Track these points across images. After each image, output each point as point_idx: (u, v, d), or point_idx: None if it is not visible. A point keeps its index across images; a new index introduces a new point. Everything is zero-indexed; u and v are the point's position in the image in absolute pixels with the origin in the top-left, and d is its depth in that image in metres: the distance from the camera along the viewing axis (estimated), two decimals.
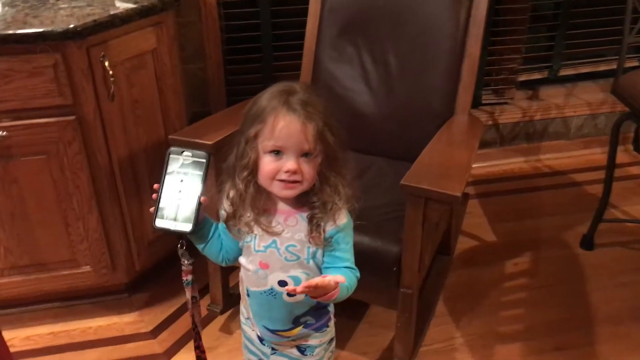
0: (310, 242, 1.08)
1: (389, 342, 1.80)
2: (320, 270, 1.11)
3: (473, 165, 1.69)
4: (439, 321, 1.90)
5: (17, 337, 1.84)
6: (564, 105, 2.86)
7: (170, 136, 1.70)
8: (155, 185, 1.06)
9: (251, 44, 2.45)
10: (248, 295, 1.18)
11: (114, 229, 1.84)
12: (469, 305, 1.97)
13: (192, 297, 1.18)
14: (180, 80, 1.99)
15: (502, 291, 2.03)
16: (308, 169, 1.03)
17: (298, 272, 1.10)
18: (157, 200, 1.06)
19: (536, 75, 2.93)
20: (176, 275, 2.06)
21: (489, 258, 2.20)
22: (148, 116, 1.86)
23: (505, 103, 2.84)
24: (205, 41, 2.34)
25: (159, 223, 1.06)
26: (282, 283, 1.11)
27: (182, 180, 1.06)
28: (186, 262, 1.13)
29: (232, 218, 1.10)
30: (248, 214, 1.08)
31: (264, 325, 1.18)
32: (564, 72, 2.94)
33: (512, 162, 2.86)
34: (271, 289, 1.12)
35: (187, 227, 1.06)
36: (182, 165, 1.06)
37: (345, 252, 1.10)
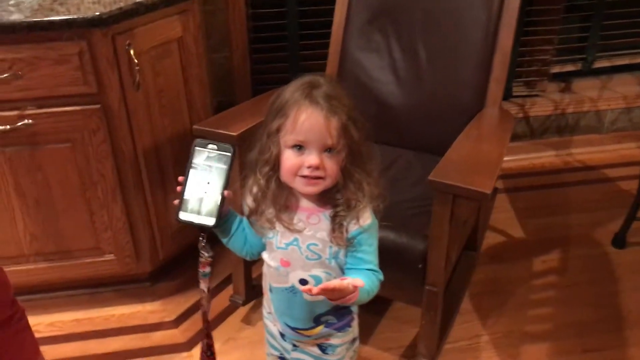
0: (332, 242, 1.05)
1: (413, 339, 1.77)
2: (342, 271, 1.08)
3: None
4: (464, 318, 1.87)
5: (42, 323, 1.86)
6: (598, 98, 2.78)
7: (195, 126, 1.68)
8: (180, 178, 1.05)
9: (277, 32, 2.42)
10: (270, 290, 1.16)
11: (138, 218, 1.84)
12: (496, 302, 1.93)
13: (203, 291, 1.16)
14: (206, 69, 1.98)
15: (530, 289, 1.99)
16: (331, 165, 1.00)
17: (319, 272, 1.08)
18: (182, 193, 1.04)
19: (569, 67, 2.85)
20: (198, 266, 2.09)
21: (516, 255, 2.16)
22: (173, 106, 1.85)
23: (537, 95, 2.78)
24: (231, 30, 2.32)
25: (183, 216, 1.04)
26: (303, 281, 1.09)
27: (206, 174, 1.04)
28: (206, 254, 1.12)
29: (255, 214, 1.08)
30: (270, 210, 1.06)
31: (286, 322, 1.17)
32: (599, 64, 2.86)
33: (542, 156, 2.79)
34: (292, 286, 1.10)
35: (210, 221, 1.04)
36: (207, 158, 1.05)
37: (369, 254, 1.07)
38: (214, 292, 1.98)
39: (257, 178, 1.06)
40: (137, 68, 1.65)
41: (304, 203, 1.07)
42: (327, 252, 1.06)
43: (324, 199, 1.05)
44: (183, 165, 1.05)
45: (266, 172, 1.04)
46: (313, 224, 1.06)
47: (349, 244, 1.05)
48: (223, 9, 2.30)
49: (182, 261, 2.07)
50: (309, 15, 2.41)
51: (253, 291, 1.93)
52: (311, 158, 0.99)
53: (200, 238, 1.10)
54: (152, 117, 1.78)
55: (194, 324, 1.86)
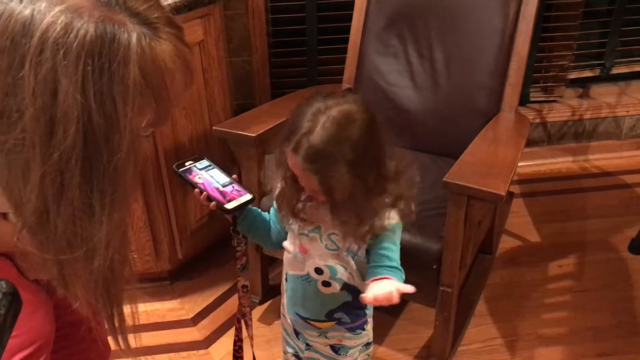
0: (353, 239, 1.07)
1: (427, 340, 1.78)
2: (358, 269, 1.10)
3: (519, 164, 1.66)
4: (479, 321, 1.87)
5: None
6: (616, 104, 2.77)
7: (215, 127, 1.72)
8: (196, 191, 1.09)
9: (297, 37, 2.46)
10: (286, 279, 1.19)
11: (158, 218, 1.87)
12: (510, 306, 1.93)
13: (244, 286, 1.20)
14: (226, 72, 2.01)
15: (545, 293, 1.99)
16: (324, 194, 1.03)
17: (335, 263, 1.10)
18: (207, 198, 1.08)
19: (587, 73, 2.84)
20: (217, 265, 2.12)
21: (532, 259, 2.16)
22: (194, 107, 1.89)
23: (554, 101, 2.77)
24: (251, 34, 2.36)
25: (229, 205, 1.09)
26: (319, 270, 1.12)
27: (208, 176, 1.12)
28: (240, 247, 1.16)
29: (286, 200, 1.12)
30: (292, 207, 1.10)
31: (297, 312, 1.19)
32: (617, 70, 2.84)
33: (559, 162, 2.79)
34: (307, 274, 1.13)
35: (248, 196, 1.11)
36: (195, 168, 1.12)
37: (393, 252, 1.08)
38: (231, 291, 2.02)
39: (279, 178, 1.11)
40: None
41: None
42: (345, 244, 1.09)
43: None
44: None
45: (283, 176, 1.09)
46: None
47: (371, 244, 1.07)
48: (243, 14, 2.33)
49: (200, 261, 2.10)
50: (327, 20, 2.44)
51: (270, 291, 1.96)
52: (307, 185, 1.03)
53: (231, 230, 1.15)
54: (173, 118, 1.82)
55: (212, 322, 1.90)
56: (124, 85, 0.57)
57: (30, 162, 0.57)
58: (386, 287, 0.99)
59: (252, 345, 1.30)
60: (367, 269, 1.10)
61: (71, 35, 0.54)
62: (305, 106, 1.02)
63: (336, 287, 1.12)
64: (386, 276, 1.03)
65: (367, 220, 1.04)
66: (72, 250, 0.63)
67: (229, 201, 1.08)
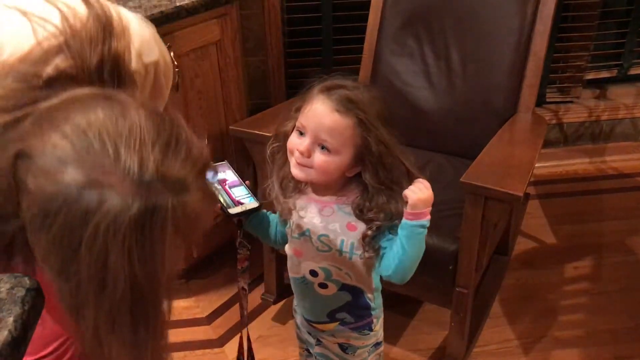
0: (362, 247, 1.07)
1: (442, 341, 1.78)
2: (356, 267, 1.10)
3: (535, 165, 1.65)
4: (494, 322, 1.87)
5: None
6: (634, 106, 2.74)
7: (231, 126, 1.73)
8: None
9: (312, 37, 2.46)
10: (291, 281, 1.20)
11: None
12: (526, 307, 1.92)
13: (243, 289, 1.20)
14: (242, 72, 2.02)
15: (561, 295, 1.98)
16: (320, 160, 1.01)
17: (328, 264, 1.10)
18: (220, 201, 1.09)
19: (604, 74, 2.81)
20: (232, 264, 2.13)
21: (548, 260, 2.14)
22: (210, 107, 1.90)
23: (571, 102, 2.75)
24: (267, 34, 2.37)
25: (232, 211, 1.09)
26: (313, 273, 1.12)
27: (224, 179, 1.12)
28: (243, 250, 1.15)
29: (277, 201, 1.11)
30: (278, 190, 1.10)
31: (302, 314, 1.20)
32: (635, 70, 2.81)
33: (575, 163, 2.77)
34: (303, 277, 1.14)
35: (255, 204, 1.09)
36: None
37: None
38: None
39: (267, 147, 1.11)
40: (176, 70, 1.70)
41: (319, 196, 1.09)
42: (338, 244, 1.08)
43: (339, 193, 1.07)
44: None
45: (272, 143, 1.09)
46: (326, 216, 1.08)
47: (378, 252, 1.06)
48: (259, 14, 2.34)
49: (215, 259, 2.11)
50: (343, 20, 2.44)
51: (284, 291, 1.96)
52: (301, 143, 1.01)
53: (239, 232, 1.14)
54: (190, 117, 1.83)
55: (226, 320, 1.90)
56: (162, 245, 0.64)
57: (84, 306, 0.65)
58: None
59: (250, 348, 1.30)
60: (370, 267, 1.10)
61: (119, 219, 0.60)
62: (328, 78, 1.05)
63: (333, 288, 1.12)
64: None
65: (395, 194, 1.02)
66: None
67: (235, 206, 1.08)
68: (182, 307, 1.97)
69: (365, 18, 2.04)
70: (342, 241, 1.08)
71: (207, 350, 1.80)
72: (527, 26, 1.82)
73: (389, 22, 1.99)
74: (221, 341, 1.82)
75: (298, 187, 1.10)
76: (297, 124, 1.03)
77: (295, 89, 2.48)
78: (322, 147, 1.00)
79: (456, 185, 1.43)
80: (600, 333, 1.82)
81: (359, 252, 1.07)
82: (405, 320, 1.87)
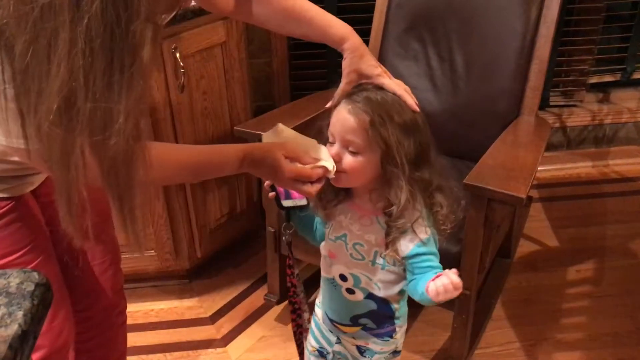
0: (385, 256, 1.06)
1: (445, 343, 1.78)
2: (386, 281, 1.10)
3: (538, 168, 1.66)
4: (496, 325, 1.87)
5: None
6: (637, 110, 2.75)
7: (235, 127, 1.74)
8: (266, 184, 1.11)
9: None
10: (322, 278, 1.20)
11: (178, 216, 1.89)
12: (528, 310, 1.93)
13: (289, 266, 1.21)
14: (247, 73, 2.03)
15: (563, 298, 1.98)
16: (350, 163, 1.01)
17: (359, 272, 1.11)
18: (272, 186, 1.11)
19: (608, 78, 2.83)
20: (236, 264, 2.14)
21: (550, 263, 2.15)
22: (215, 108, 1.91)
23: (574, 105, 2.76)
24: (271, 35, 2.38)
25: (285, 203, 1.12)
26: (343, 277, 1.12)
27: None
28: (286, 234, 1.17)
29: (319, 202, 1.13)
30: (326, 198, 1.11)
31: (326, 312, 1.21)
32: (638, 74, 2.82)
33: (578, 167, 2.77)
34: (333, 278, 1.14)
35: (304, 202, 1.13)
36: None
37: (434, 261, 1.05)
38: (249, 291, 2.04)
39: None
40: (182, 71, 1.71)
41: (357, 202, 1.09)
42: (371, 255, 1.08)
43: (377, 203, 1.06)
44: None
45: None
46: (365, 225, 1.08)
47: (407, 262, 1.05)
48: None
49: (219, 259, 2.12)
50: (348, 22, 2.44)
51: (287, 290, 1.96)
52: (332, 150, 1.03)
53: (286, 220, 1.17)
54: (195, 118, 1.84)
55: (230, 320, 1.91)
56: None
57: (58, 28, 0.61)
58: (440, 280, 0.96)
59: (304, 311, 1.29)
60: (400, 281, 1.09)
61: None
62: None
63: (360, 295, 1.13)
64: (438, 273, 0.99)
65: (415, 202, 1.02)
66: (93, 134, 0.66)
67: (288, 199, 1.11)
68: (185, 306, 1.98)
69: (369, 21, 2.05)
70: (376, 252, 1.08)
71: (210, 350, 1.80)
72: (531, 30, 1.82)
73: (393, 25, 2.00)
74: (225, 341, 1.83)
75: (337, 196, 1.11)
76: (328, 135, 1.05)
77: (300, 90, 2.52)
78: (350, 150, 1.02)
79: (459, 187, 1.43)
80: (602, 336, 1.82)
81: (392, 266, 1.08)
82: (409, 323, 1.83)
